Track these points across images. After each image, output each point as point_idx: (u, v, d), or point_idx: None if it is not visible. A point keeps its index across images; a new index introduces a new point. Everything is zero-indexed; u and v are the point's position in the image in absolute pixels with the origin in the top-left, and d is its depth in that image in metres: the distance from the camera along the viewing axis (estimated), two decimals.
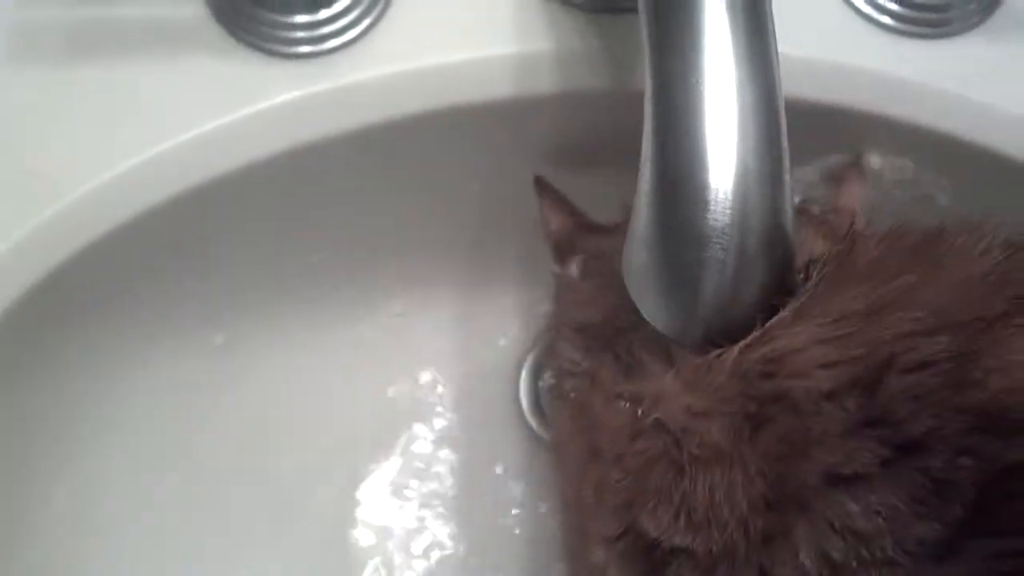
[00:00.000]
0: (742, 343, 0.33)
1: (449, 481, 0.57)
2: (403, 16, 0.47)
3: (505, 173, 0.51)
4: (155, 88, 0.45)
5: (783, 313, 0.33)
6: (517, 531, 0.56)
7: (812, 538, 0.31)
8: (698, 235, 0.32)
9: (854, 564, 0.31)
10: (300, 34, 0.46)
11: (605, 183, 0.47)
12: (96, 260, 0.45)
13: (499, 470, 0.57)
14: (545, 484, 0.56)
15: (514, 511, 0.56)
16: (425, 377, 0.58)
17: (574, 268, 0.46)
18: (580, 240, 0.47)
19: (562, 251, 0.47)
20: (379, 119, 0.47)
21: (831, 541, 0.31)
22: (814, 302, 0.34)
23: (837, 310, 0.33)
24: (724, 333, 0.34)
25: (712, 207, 0.32)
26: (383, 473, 0.57)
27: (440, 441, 0.57)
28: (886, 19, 0.49)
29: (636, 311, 0.37)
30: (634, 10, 0.46)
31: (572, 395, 0.41)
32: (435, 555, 0.55)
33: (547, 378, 0.47)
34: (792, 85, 0.47)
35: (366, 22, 0.46)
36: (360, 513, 0.56)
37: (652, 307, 0.34)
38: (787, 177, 0.33)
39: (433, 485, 0.57)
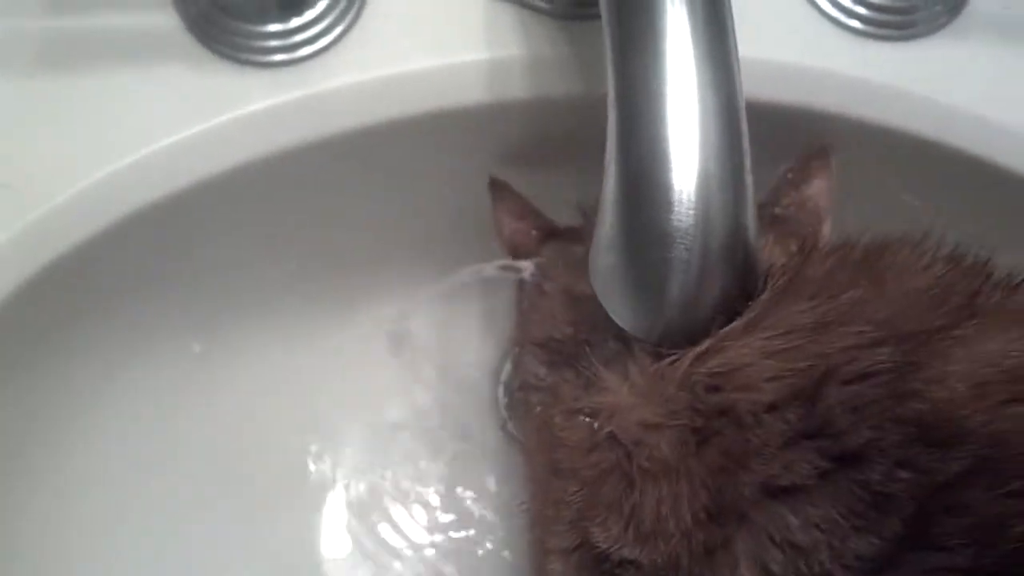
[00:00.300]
0: (694, 352, 0.34)
1: (428, 490, 0.57)
2: (375, 23, 0.47)
3: (479, 178, 0.51)
4: (129, 98, 0.45)
5: (735, 324, 0.34)
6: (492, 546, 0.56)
7: (752, 550, 0.32)
8: (662, 236, 0.32)
9: None
10: (272, 43, 0.46)
11: (577, 187, 0.48)
12: (72, 269, 0.45)
13: (483, 480, 0.57)
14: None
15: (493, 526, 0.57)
16: (406, 385, 0.58)
17: (532, 272, 0.46)
18: (538, 245, 0.47)
19: (519, 256, 0.47)
20: (353, 126, 0.47)
21: (770, 554, 0.31)
22: (765, 315, 0.34)
23: (786, 324, 0.34)
24: (689, 333, 0.34)
25: (676, 208, 0.32)
26: (362, 480, 0.57)
27: (420, 449, 0.58)
28: (854, 22, 0.49)
29: (597, 325, 0.38)
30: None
31: (537, 410, 0.42)
32: (412, 563, 0.55)
33: (514, 393, 0.47)
34: (761, 88, 0.48)
35: (338, 29, 0.47)
36: (337, 520, 0.56)
37: (618, 307, 0.34)
38: (749, 178, 0.33)
39: (412, 493, 0.57)
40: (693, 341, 0.34)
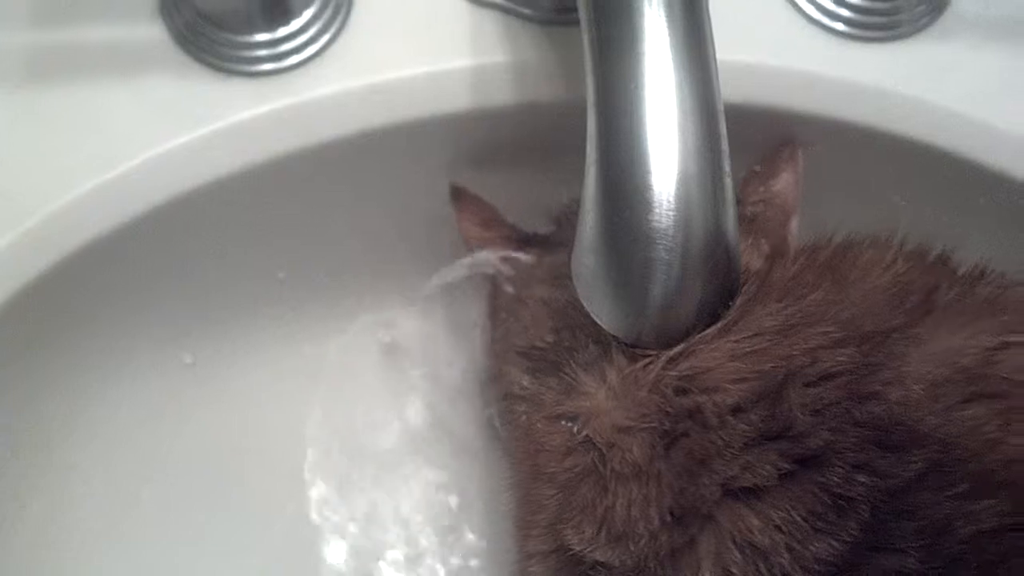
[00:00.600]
0: (667, 355, 0.34)
1: (421, 498, 0.57)
2: (361, 32, 0.48)
3: (466, 183, 0.52)
4: (117, 109, 0.45)
5: (711, 328, 0.34)
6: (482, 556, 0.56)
7: (714, 552, 0.32)
8: (643, 236, 0.33)
9: None
10: (259, 52, 0.46)
11: (562, 190, 0.48)
12: (63, 281, 0.45)
13: (473, 488, 0.58)
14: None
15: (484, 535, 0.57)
16: (397, 392, 0.59)
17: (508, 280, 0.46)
18: (508, 251, 0.47)
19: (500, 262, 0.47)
20: (340, 134, 0.47)
21: (731, 555, 0.31)
22: (738, 318, 0.35)
23: (754, 326, 0.34)
24: (670, 334, 0.34)
25: (656, 209, 0.32)
26: (354, 488, 0.57)
27: (412, 457, 0.58)
28: (837, 25, 0.49)
29: (577, 330, 0.38)
30: None
31: (522, 419, 0.42)
32: (405, 569, 0.55)
33: (497, 403, 0.47)
34: (746, 92, 0.48)
35: (324, 38, 0.47)
36: (331, 527, 0.56)
37: (600, 308, 0.35)
38: (728, 179, 0.33)
39: (405, 501, 0.57)
40: (674, 343, 0.34)
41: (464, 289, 0.54)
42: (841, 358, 0.32)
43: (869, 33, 0.49)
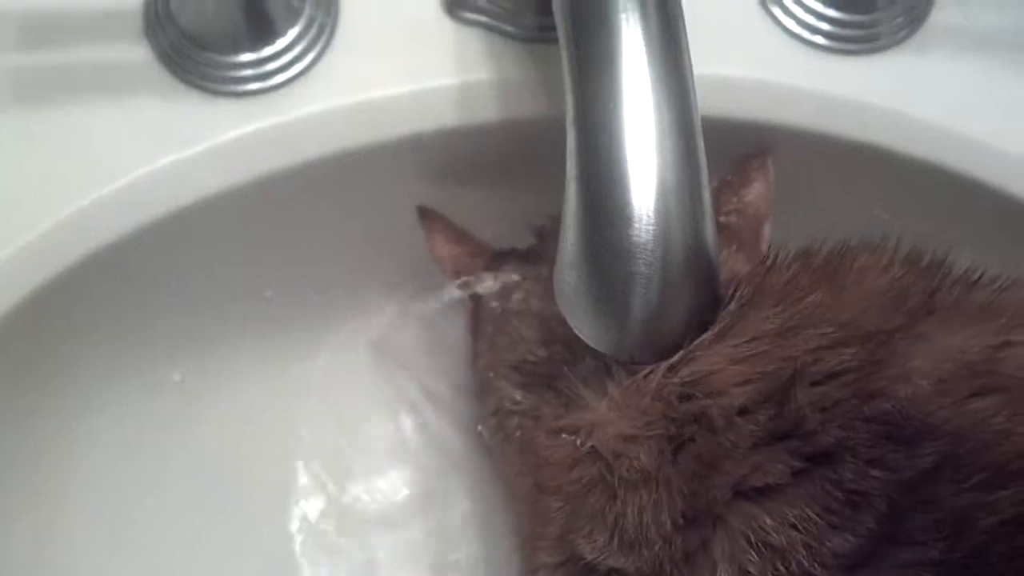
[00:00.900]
0: (667, 364, 0.35)
1: (412, 513, 0.57)
2: (345, 50, 0.48)
3: (452, 200, 0.52)
4: (103, 130, 0.46)
5: (705, 336, 0.35)
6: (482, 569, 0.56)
7: (729, 553, 0.32)
8: (623, 251, 0.33)
9: None
10: (244, 72, 0.47)
11: (548, 207, 0.48)
12: (51, 301, 0.46)
13: (467, 504, 0.58)
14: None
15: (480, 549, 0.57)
16: (387, 408, 0.59)
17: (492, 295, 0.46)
18: (480, 267, 0.48)
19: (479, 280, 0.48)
20: (325, 152, 0.48)
21: (747, 555, 0.32)
22: (732, 324, 0.35)
23: (752, 331, 0.34)
24: (657, 348, 0.35)
25: (635, 224, 0.33)
26: (345, 505, 0.57)
27: (403, 472, 0.58)
28: (817, 38, 0.50)
29: (572, 343, 0.38)
30: None
31: (517, 434, 0.42)
32: None
33: (487, 421, 0.47)
34: (727, 106, 0.49)
35: (309, 58, 0.47)
36: (322, 544, 0.56)
37: (583, 324, 0.35)
38: (706, 193, 0.34)
39: (397, 517, 0.57)
40: (663, 356, 0.35)
41: (451, 304, 0.54)
42: (845, 357, 0.33)
43: (848, 46, 0.50)
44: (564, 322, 0.38)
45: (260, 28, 0.46)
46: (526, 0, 0.48)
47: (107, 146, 0.46)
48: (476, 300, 0.49)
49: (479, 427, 0.56)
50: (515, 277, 0.47)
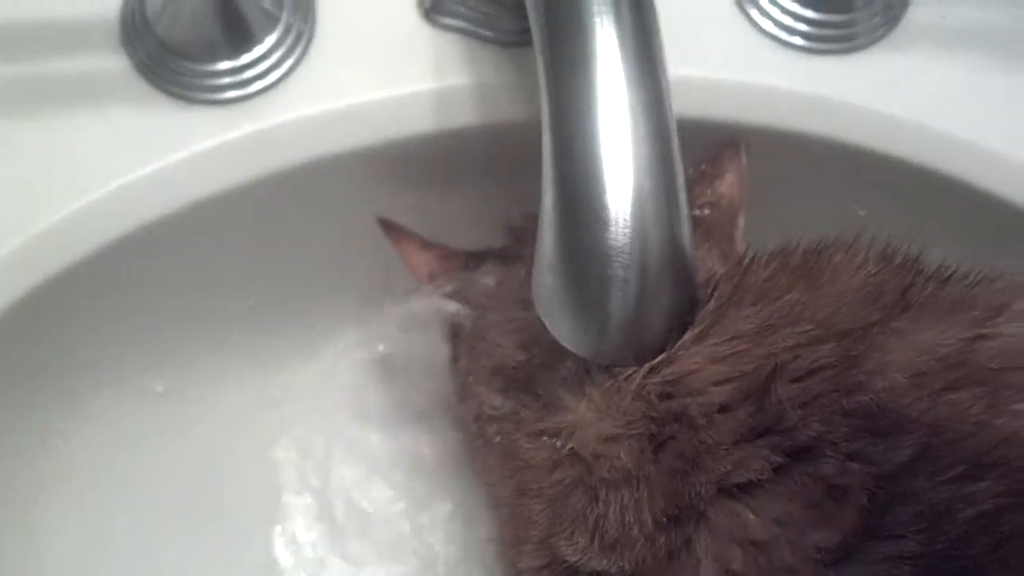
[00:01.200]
0: (648, 366, 0.35)
1: (392, 523, 0.57)
2: (324, 57, 0.48)
3: (434, 204, 0.52)
4: (82, 141, 0.46)
5: (685, 337, 0.35)
6: None
7: (713, 550, 0.32)
8: (600, 254, 0.33)
9: (755, 573, 0.32)
10: (221, 80, 0.47)
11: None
12: (33, 312, 0.46)
13: (447, 507, 0.58)
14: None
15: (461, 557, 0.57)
16: (366, 419, 0.59)
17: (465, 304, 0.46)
18: (453, 270, 0.48)
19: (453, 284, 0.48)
20: (305, 159, 0.48)
21: (731, 551, 0.32)
22: (712, 324, 0.35)
23: (732, 330, 0.35)
24: (637, 351, 0.35)
25: (612, 227, 0.33)
26: (327, 516, 0.57)
27: (382, 483, 0.58)
28: (795, 39, 0.50)
29: (551, 347, 0.38)
30: None
31: (497, 439, 0.42)
32: None
33: (467, 427, 0.47)
34: (705, 106, 0.49)
35: (287, 65, 0.47)
36: (304, 555, 0.56)
37: (562, 328, 0.35)
38: (683, 195, 0.34)
39: (380, 528, 0.57)
40: (643, 358, 0.35)
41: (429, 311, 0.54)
42: (822, 353, 0.33)
43: (825, 46, 0.50)
44: (543, 325, 0.38)
45: (237, 36, 0.46)
46: (504, 5, 0.48)
47: (86, 156, 0.46)
48: (451, 305, 0.49)
49: (458, 435, 0.56)
50: (492, 278, 0.47)
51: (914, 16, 0.51)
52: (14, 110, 0.46)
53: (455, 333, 0.49)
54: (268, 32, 0.47)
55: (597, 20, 0.34)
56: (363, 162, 0.49)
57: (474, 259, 0.49)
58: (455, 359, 0.49)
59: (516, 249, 0.48)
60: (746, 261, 0.38)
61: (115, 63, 0.47)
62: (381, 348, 0.58)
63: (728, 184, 0.47)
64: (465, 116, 0.49)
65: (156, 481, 0.54)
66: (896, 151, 0.50)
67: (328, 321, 0.57)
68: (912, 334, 0.33)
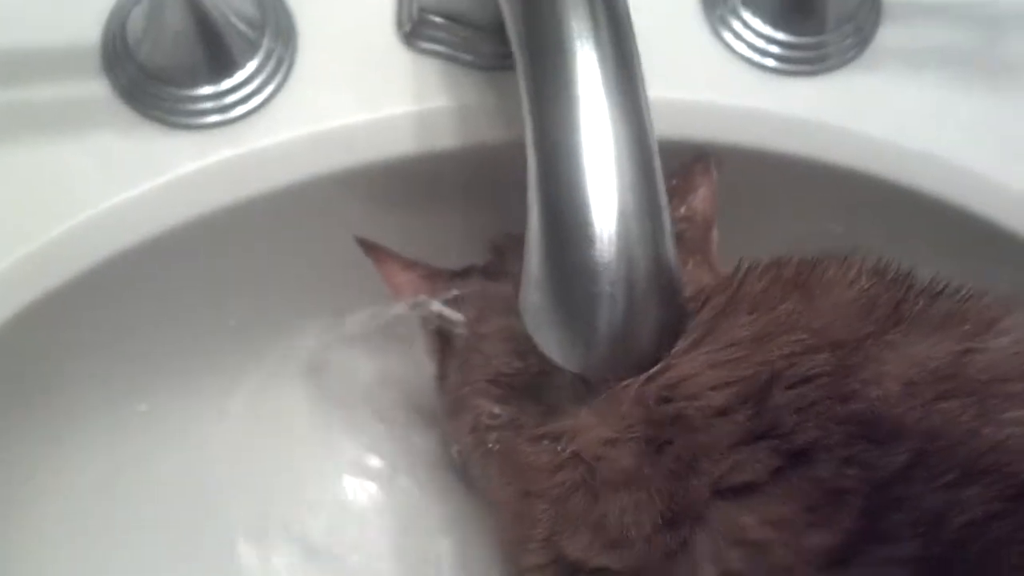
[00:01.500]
0: (646, 374, 0.35)
1: (382, 541, 0.57)
2: (305, 81, 0.48)
3: (416, 225, 0.53)
4: (65, 166, 0.46)
5: (681, 344, 0.36)
6: None
7: (711, 551, 0.33)
8: (586, 272, 0.33)
9: (755, 574, 0.32)
10: (203, 105, 0.47)
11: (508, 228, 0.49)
12: (15, 336, 0.45)
13: (432, 525, 0.58)
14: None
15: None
16: (349, 437, 0.59)
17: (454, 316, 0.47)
18: (437, 288, 0.48)
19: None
20: (287, 182, 0.48)
21: (729, 553, 0.33)
22: (707, 332, 0.36)
23: (727, 338, 0.36)
24: (627, 364, 0.35)
25: (597, 244, 0.33)
26: (315, 535, 0.57)
27: (370, 501, 0.58)
28: (768, 60, 0.51)
29: (544, 356, 0.39)
30: None
31: (496, 447, 0.43)
32: None
33: (461, 439, 0.48)
34: (681, 128, 0.49)
35: (268, 90, 0.48)
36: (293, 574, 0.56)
37: (550, 343, 0.35)
38: (665, 212, 0.35)
39: (369, 548, 0.57)
40: (634, 372, 0.36)
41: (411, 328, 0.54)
42: (818, 362, 0.34)
43: (798, 68, 0.51)
44: None
45: (219, 61, 0.47)
46: (482, 29, 0.48)
47: (68, 182, 0.46)
48: (435, 322, 0.49)
49: (453, 449, 0.56)
50: (478, 292, 0.47)
51: (884, 38, 0.52)
52: None
53: (441, 349, 0.49)
54: (249, 57, 0.47)
55: (577, 43, 0.35)
56: (345, 184, 0.49)
57: (457, 276, 0.49)
58: (442, 376, 0.49)
59: (499, 265, 0.48)
60: (741, 273, 0.39)
61: (97, 88, 0.47)
62: (367, 365, 0.58)
63: (700, 198, 0.47)
64: (445, 139, 0.49)
65: (140, 500, 0.54)
66: (870, 169, 0.51)
67: (309, 340, 0.57)
68: (904, 347, 0.34)
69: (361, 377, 0.59)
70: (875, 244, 0.40)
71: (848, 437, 0.33)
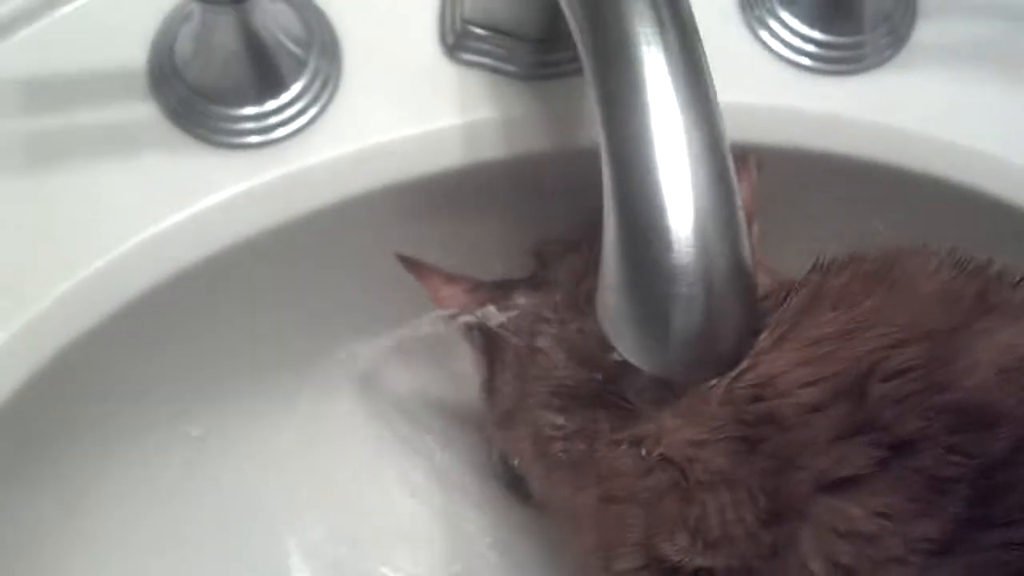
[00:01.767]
0: (732, 374, 0.36)
1: (438, 554, 0.58)
2: (351, 97, 0.49)
3: (459, 238, 0.53)
4: (117, 190, 0.46)
5: (763, 343, 0.36)
6: None
7: (817, 545, 0.33)
8: (665, 274, 0.34)
9: (865, 565, 0.33)
10: (251, 125, 0.47)
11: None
12: (71, 364, 0.46)
13: (488, 541, 0.58)
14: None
15: None
16: (402, 452, 0.59)
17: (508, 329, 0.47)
18: (480, 301, 0.48)
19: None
20: (337, 198, 0.48)
21: (837, 545, 0.33)
22: (791, 330, 0.37)
23: (812, 335, 0.36)
24: (708, 365, 0.36)
25: (675, 246, 0.34)
26: (369, 550, 0.57)
27: (425, 513, 0.58)
28: (804, 60, 0.52)
29: (614, 363, 0.39)
30: (569, 73, 0.49)
31: (563, 456, 0.43)
32: None
33: (518, 450, 0.48)
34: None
35: (317, 107, 0.48)
36: None
37: (631, 347, 0.36)
38: (740, 211, 0.35)
39: (422, 555, 0.57)
40: (717, 372, 0.36)
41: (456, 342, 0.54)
42: (909, 354, 0.35)
43: (835, 67, 0.51)
44: (597, 341, 0.40)
45: (268, 81, 0.47)
46: (525, 39, 0.49)
47: (120, 206, 0.46)
48: (486, 336, 0.50)
49: (493, 456, 0.56)
50: (527, 305, 0.48)
51: (920, 36, 0.52)
52: (45, 164, 0.46)
53: (489, 362, 0.49)
54: (297, 76, 0.48)
55: (644, 48, 0.35)
56: (392, 199, 0.50)
57: (500, 289, 0.49)
58: (492, 389, 0.49)
59: (544, 275, 0.49)
60: (820, 269, 0.39)
61: (145, 111, 0.47)
62: (413, 379, 0.58)
63: (743, 196, 0.48)
64: (490, 150, 0.50)
65: (195, 525, 0.54)
66: (910, 165, 0.51)
67: (361, 356, 0.58)
68: (994, 335, 0.35)
69: (408, 390, 0.59)
70: (916, 240, 0.41)
71: (948, 426, 0.33)
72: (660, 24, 0.35)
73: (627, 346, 0.36)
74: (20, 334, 0.44)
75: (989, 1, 0.53)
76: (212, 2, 0.43)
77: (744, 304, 0.35)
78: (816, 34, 0.51)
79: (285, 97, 0.48)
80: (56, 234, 0.46)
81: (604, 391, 0.41)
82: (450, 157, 0.49)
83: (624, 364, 0.37)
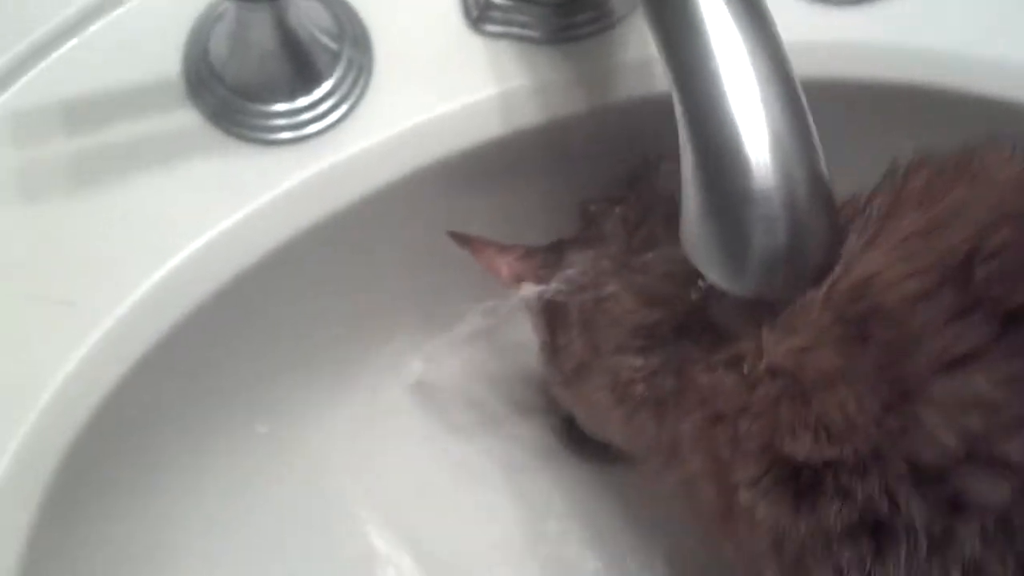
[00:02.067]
0: (828, 282, 0.37)
1: (507, 539, 0.58)
2: (386, 82, 0.49)
3: (502, 209, 0.53)
4: (168, 199, 0.46)
5: (851, 247, 0.37)
6: None
7: (944, 420, 0.34)
8: (748, 197, 0.35)
9: (994, 431, 0.34)
10: (296, 119, 0.48)
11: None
12: (145, 377, 0.46)
13: (552, 525, 0.59)
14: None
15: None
16: (464, 438, 0.60)
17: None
18: (542, 267, 0.49)
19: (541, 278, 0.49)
20: (385, 182, 0.49)
21: (965, 417, 0.34)
22: (877, 231, 0.38)
23: (902, 234, 0.37)
24: (798, 280, 0.37)
25: (754, 169, 0.35)
26: (443, 550, 0.57)
27: (489, 503, 0.59)
28: None
29: (686, 296, 0.41)
30: (593, 33, 0.50)
31: (646, 395, 0.44)
32: None
33: (592, 401, 0.49)
34: None
35: (355, 94, 0.48)
36: None
37: (721, 272, 0.37)
38: (814, 130, 0.36)
39: (495, 552, 0.58)
40: (808, 286, 0.37)
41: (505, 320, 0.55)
42: (1002, 235, 0.36)
43: None
44: (666, 279, 0.41)
45: (305, 75, 0.47)
46: (547, 4, 0.50)
47: (172, 214, 0.46)
48: (544, 301, 0.50)
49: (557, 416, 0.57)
50: (584, 261, 0.48)
51: None
52: (93, 180, 0.46)
53: (551, 323, 0.50)
54: (333, 68, 0.48)
55: None
56: (437, 178, 0.50)
57: (553, 252, 0.50)
58: (556, 349, 0.50)
59: (592, 231, 0.49)
60: (899, 173, 0.40)
61: (186, 118, 0.48)
62: (466, 363, 0.59)
63: None
64: (526, 117, 0.50)
65: (262, 520, 0.55)
66: (932, 82, 0.52)
67: (415, 342, 0.58)
68: None
69: (462, 375, 0.60)
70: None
71: None
72: None
73: (717, 273, 0.37)
74: (93, 351, 0.44)
75: None
76: None
77: (827, 217, 0.36)
78: None
79: (325, 87, 0.48)
80: (114, 251, 0.46)
81: (687, 323, 0.42)
82: (487, 129, 0.50)
83: (709, 293, 0.38)
